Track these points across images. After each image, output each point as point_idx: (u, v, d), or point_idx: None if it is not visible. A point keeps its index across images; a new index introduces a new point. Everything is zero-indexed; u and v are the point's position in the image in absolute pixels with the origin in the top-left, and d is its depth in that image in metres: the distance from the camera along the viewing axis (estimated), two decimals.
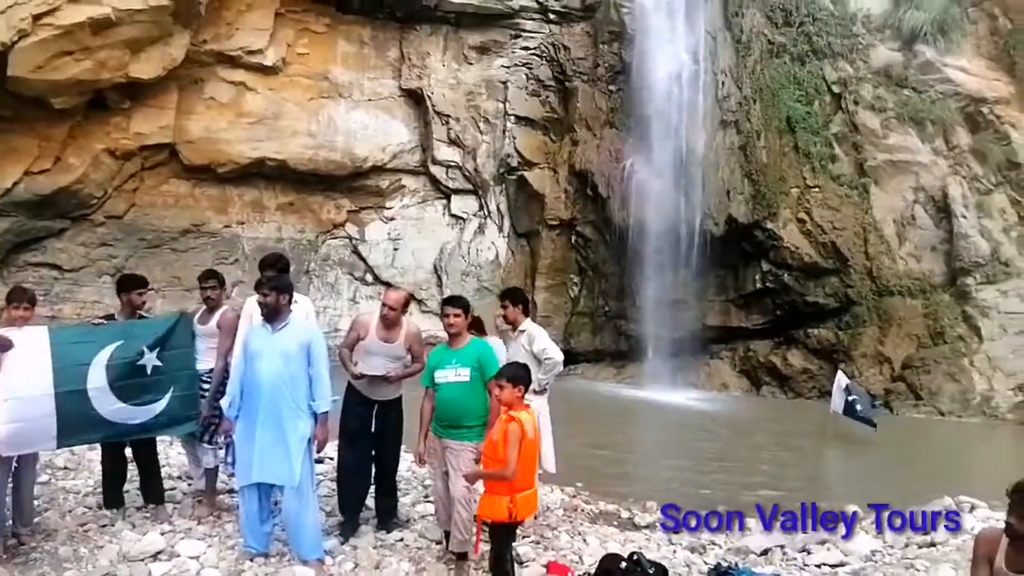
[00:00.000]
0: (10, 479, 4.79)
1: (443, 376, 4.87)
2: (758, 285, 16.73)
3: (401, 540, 5.31)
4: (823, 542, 5.67)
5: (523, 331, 5.62)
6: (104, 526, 5.23)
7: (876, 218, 16.28)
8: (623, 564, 4.41)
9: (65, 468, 6.66)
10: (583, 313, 18.44)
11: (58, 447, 5.61)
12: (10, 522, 4.84)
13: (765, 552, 5.42)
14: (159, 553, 4.73)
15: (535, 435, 4.28)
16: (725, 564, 4.73)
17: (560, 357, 5.58)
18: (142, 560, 4.63)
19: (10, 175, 15.67)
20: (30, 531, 4.96)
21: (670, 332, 17.07)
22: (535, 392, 5.25)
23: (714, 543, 5.74)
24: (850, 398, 11.47)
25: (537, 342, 5.51)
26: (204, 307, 5.66)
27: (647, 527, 6.09)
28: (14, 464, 4.79)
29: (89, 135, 16.41)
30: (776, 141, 16.81)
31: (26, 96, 14.44)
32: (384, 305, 5.36)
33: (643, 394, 16.03)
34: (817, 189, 16.43)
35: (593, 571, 4.63)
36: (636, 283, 17.35)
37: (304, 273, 17.77)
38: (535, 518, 5.71)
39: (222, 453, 5.39)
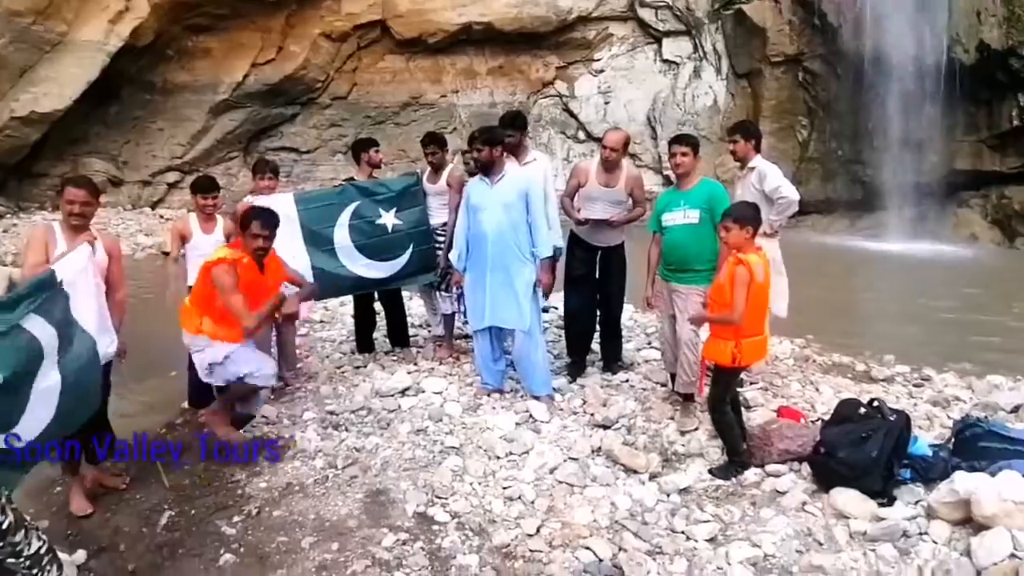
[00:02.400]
0: (274, 332, 5.46)
1: (671, 219, 4.72)
2: (1015, 122, 13.92)
3: (627, 381, 5.40)
4: None
5: (753, 168, 5.19)
6: (358, 368, 5.86)
7: None
8: (862, 410, 4.11)
9: (321, 321, 7.54)
10: (813, 159, 16.83)
11: (318, 299, 6.36)
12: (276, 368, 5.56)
13: (1016, 409, 4.79)
14: (407, 389, 5.22)
15: (764, 279, 4.01)
16: (972, 418, 4.23)
17: (795, 196, 5.10)
18: (392, 395, 5.15)
19: (239, 68, 17.25)
20: (294, 374, 5.66)
21: (912, 177, 15.13)
22: (766, 235, 4.89)
23: (958, 398, 5.19)
24: None
25: (769, 180, 5.07)
26: (429, 169, 5.87)
27: (884, 380, 5.63)
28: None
29: (305, 22, 17.42)
30: None
31: None
32: (604, 147, 5.22)
33: (881, 246, 14.60)
34: None
35: (828, 417, 4.39)
36: (873, 123, 15.37)
37: None
38: (766, 363, 5.52)
39: (458, 301, 5.72)
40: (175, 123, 17.68)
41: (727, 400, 4.21)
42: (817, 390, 5.24)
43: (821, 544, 3.48)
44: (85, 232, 3.79)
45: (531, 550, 3.48)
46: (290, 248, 5.24)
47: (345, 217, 5.55)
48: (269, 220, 4.24)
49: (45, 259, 3.60)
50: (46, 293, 3.13)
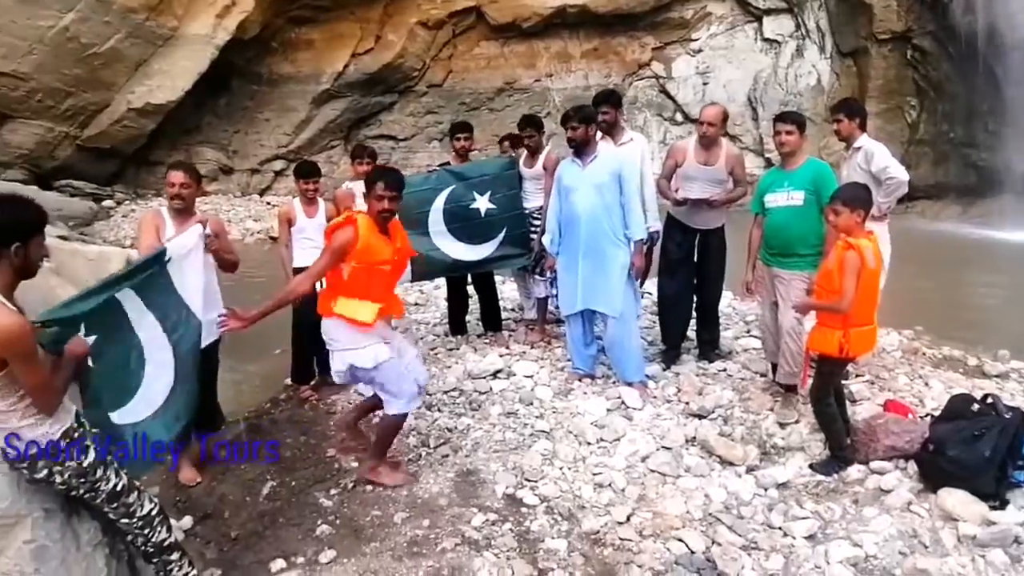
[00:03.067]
0: None
1: (774, 200, 4.52)
2: None
3: (724, 370, 5.24)
4: None
5: (859, 148, 4.90)
6: (451, 350, 5.93)
7: None
8: (975, 406, 3.82)
9: (416, 304, 7.67)
10: (922, 141, 15.75)
11: (411, 282, 6.48)
12: None
13: None
14: (498, 372, 5.24)
15: (876, 265, 3.78)
16: None
17: (904, 176, 4.78)
18: (483, 378, 5.18)
19: (340, 59, 17.75)
20: None
21: None
22: (874, 218, 4.62)
23: None
24: None
25: (876, 160, 4.77)
26: (525, 152, 5.85)
27: (998, 376, 5.23)
28: None
29: (403, 11, 17.74)
30: None
31: None
32: (701, 122, 5.06)
33: (995, 234, 13.44)
34: None
35: (938, 413, 4.11)
36: (988, 104, 14.14)
37: None
38: (872, 355, 5.24)
39: (551, 285, 5.68)
40: (281, 113, 18.39)
41: (831, 392, 4.01)
42: (926, 384, 4.92)
43: (927, 547, 3.30)
44: (191, 214, 3.98)
45: (621, 538, 3.43)
46: None
47: (440, 201, 5.61)
48: (395, 180, 3.74)
49: (157, 240, 3.79)
50: (151, 270, 3.32)
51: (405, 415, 3.89)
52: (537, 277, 5.80)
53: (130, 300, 3.17)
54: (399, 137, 19.09)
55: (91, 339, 2.91)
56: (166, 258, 3.41)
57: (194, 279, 3.57)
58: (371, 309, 3.62)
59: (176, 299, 3.46)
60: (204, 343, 3.76)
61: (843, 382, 4.50)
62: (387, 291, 3.79)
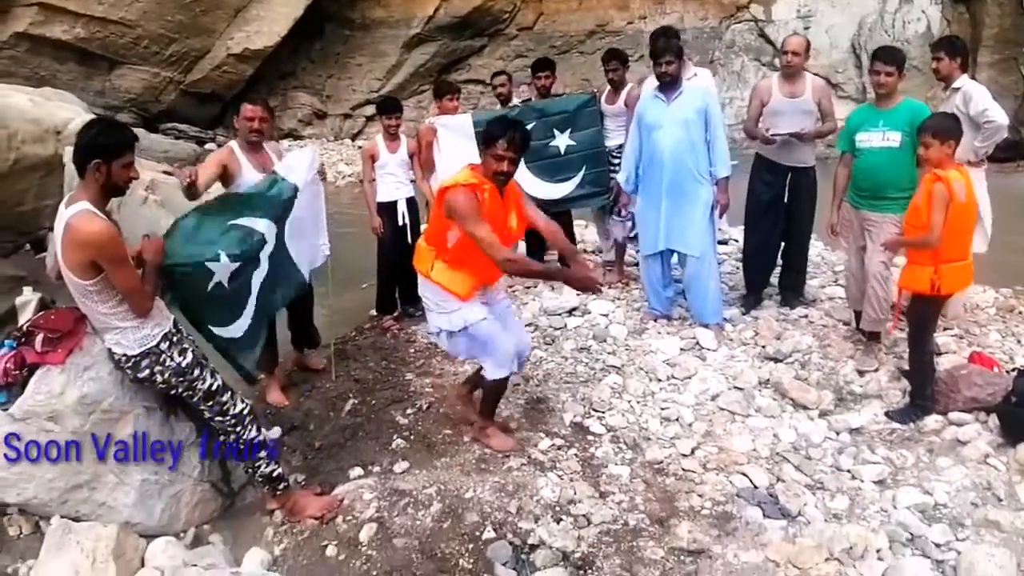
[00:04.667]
0: None
1: (866, 139, 4.32)
2: None
3: (805, 317, 5.12)
4: None
5: (957, 89, 4.61)
6: (527, 287, 5.99)
7: None
8: None
9: None
10: None
11: None
12: None
13: None
14: (573, 310, 5.31)
15: (967, 198, 3.59)
16: None
17: (1004, 120, 4.47)
18: (559, 314, 5.26)
19: (431, 2, 17.74)
20: None
21: None
22: (970, 164, 4.38)
23: None
24: None
25: (975, 102, 4.48)
26: (608, 88, 5.77)
27: None
28: None
29: None
30: None
31: None
32: (785, 52, 4.89)
33: None
34: None
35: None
36: None
37: (708, 63, 17.02)
38: (964, 310, 5.01)
39: (629, 224, 5.66)
40: (372, 58, 18.63)
41: (931, 336, 3.89)
42: (1019, 342, 4.67)
43: (1000, 500, 3.21)
44: (262, 149, 4.11)
45: (684, 469, 3.49)
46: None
47: None
48: (520, 139, 3.26)
49: (215, 178, 3.91)
50: (277, 188, 3.58)
51: (505, 379, 3.54)
52: (615, 218, 5.77)
53: (266, 228, 3.45)
54: (487, 82, 19.02)
55: (234, 266, 3.19)
56: (281, 177, 3.66)
57: (311, 204, 3.86)
58: (468, 282, 3.40)
59: (284, 231, 3.72)
60: (313, 266, 4.09)
61: None
62: (489, 264, 3.33)
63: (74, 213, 2.53)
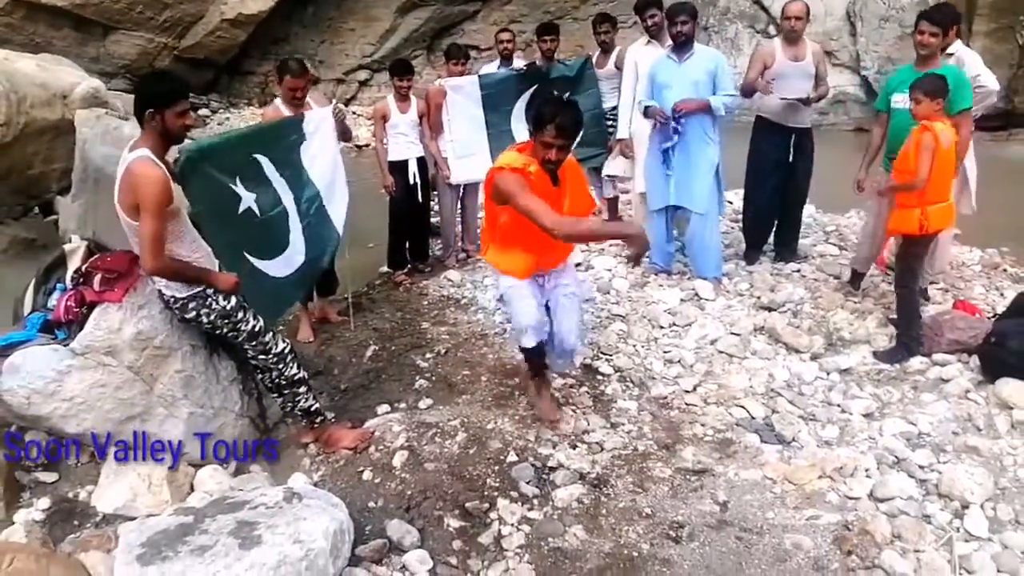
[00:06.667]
0: (458, 205, 5.94)
1: (901, 100, 4.34)
2: None
3: (798, 271, 5.39)
4: None
5: (951, 55, 4.83)
6: None
7: None
8: None
9: None
10: None
11: None
12: (460, 240, 6.06)
13: None
14: (578, 264, 5.51)
15: (950, 146, 3.87)
16: None
17: (995, 86, 4.71)
18: None
19: None
20: (476, 247, 6.06)
21: None
22: None
23: None
24: None
25: (969, 67, 4.69)
26: (599, 51, 5.94)
27: None
28: (460, 191, 5.90)
29: None
30: None
31: None
32: (788, 18, 5.10)
33: None
34: None
35: (1004, 309, 4.22)
36: None
37: (703, 30, 17.09)
38: (950, 267, 5.29)
39: (622, 184, 5.87)
40: (365, 23, 18.56)
41: (917, 276, 4.16)
42: (1002, 295, 4.97)
43: (980, 429, 3.48)
44: (304, 104, 4.39)
45: (687, 403, 3.78)
46: (474, 126, 5.68)
47: (522, 102, 5.82)
48: (572, 124, 3.09)
49: None
50: (291, 137, 3.79)
51: (529, 350, 3.48)
52: (606, 177, 5.98)
53: (269, 167, 3.65)
54: (482, 47, 19.00)
55: (252, 196, 3.41)
56: (304, 129, 3.87)
57: (326, 154, 4.06)
58: (519, 261, 3.37)
59: (306, 178, 3.93)
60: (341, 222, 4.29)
61: None
62: (545, 241, 3.14)
63: (134, 158, 2.72)
